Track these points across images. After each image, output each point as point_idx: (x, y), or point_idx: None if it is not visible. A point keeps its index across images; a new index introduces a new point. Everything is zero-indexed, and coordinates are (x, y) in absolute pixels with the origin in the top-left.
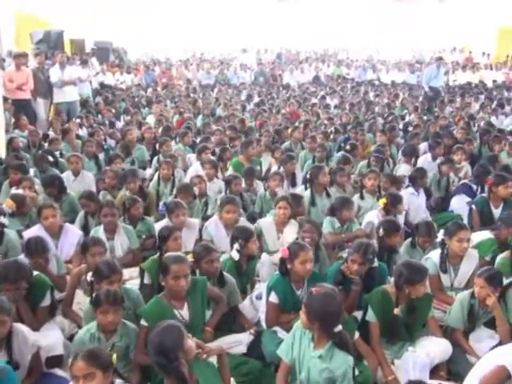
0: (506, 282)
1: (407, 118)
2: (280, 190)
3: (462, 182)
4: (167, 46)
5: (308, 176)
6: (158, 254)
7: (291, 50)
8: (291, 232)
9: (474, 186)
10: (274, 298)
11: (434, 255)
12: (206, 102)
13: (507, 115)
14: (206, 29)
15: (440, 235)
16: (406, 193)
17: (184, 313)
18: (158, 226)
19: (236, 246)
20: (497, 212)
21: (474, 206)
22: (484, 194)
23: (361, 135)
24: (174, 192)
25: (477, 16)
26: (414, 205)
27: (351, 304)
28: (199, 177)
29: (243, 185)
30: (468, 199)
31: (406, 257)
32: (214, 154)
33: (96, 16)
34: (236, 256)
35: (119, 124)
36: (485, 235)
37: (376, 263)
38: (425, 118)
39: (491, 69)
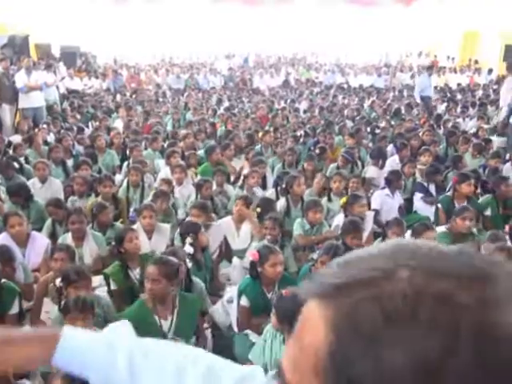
0: None
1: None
2: (257, 189)
3: (418, 181)
4: (136, 51)
5: (283, 185)
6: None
7: (261, 55)
8: (248, 229)
9: (426, 184)
10: (244, 301)
11: None
12: (175, 106)
13: (471, 118)
14: (175, 33)
15: (407, 236)
16: (382, 194)
17: (165, 323)
18: None
19: (188, 240)
20: None
21: (439, 205)
22: (449, 193)
23: (329, 138)
24: (150, 197)
25: (442, 21)
26: (388, 206)
27: None
28: (166, 181)
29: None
30: (421, 195)
31: None
32: (183, 158)
33: (62, 20)
34: (191, 250)
35: (87, 130)
36: (439, 229)
37: None
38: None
39: (456, 72)
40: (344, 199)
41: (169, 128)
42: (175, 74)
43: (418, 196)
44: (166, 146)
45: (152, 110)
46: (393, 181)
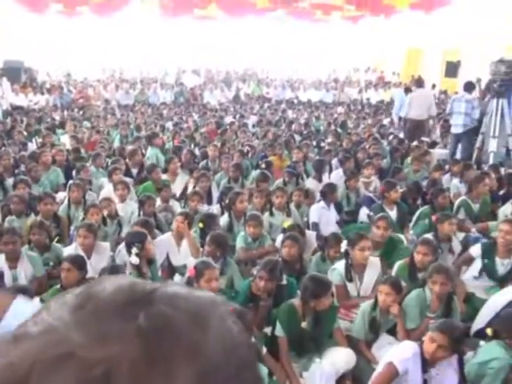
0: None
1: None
2: (202, 208)
3: (368, 195)
4: (85, 66)
5: (227, 201)
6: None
7: (211, 70)
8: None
9: (376, 199)
10: None
11: (339, 266)
12: (123, 122)
13: None
14: (125, 48)
15: (343, 246)
16: (318, 207)
17: None
18: (66, 252)
19: (134, 250)
20: (392, 213)
21: (371, 213)
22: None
23: (279, 149)
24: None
25: (387, 38)
26: (325, 219)
27: (260, 321)
28: (107, 199)
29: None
30: (368, 212)
31: (315, 270)
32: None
33: (6, 34)
34: (136, 260)
35: (32, 146)
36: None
37: (285, 280)
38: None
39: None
40: (288, 223)
41: (116, 144)
42: (124, 89)
43: (364, 209)
44: (109, 162)
45: (99, 126)
46: (327, 193)
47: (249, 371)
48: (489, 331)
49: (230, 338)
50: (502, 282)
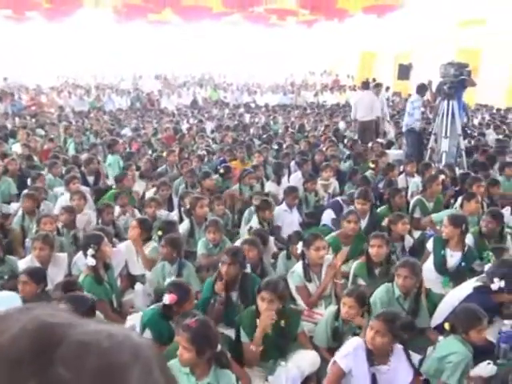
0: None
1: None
2: (161, 214)
3: (335, 198)
4: (37, 72)
5: (187, 206)
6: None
7: (168, 75)
8: (148, 253)
9: (345, 206)
10: (148, 334)
11: (298, 267)
12: (78, 129)
13: None
14: (79, 54)
15: (299, 247)
16: (280, 210)
17: None
18: (21, 264)
19: (90, 251)
20: (365, 221)
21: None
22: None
23: (239, 153)
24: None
25: (341, 41)
26: (287, 221)
27: (216, 318)
28: (64, 208)
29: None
30: (333, 216)
31: (282, 268)
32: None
33: None
34: (92, 262)
35: None
36: (330, 235)
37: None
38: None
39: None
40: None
41: (71, 152)
42: (78, 95)
43: (328, 211)
44: (64, 171)
45: (53, 134)
46: (288, 196)
47: None
48: (446, 326)
49: None
50: (453, 275)
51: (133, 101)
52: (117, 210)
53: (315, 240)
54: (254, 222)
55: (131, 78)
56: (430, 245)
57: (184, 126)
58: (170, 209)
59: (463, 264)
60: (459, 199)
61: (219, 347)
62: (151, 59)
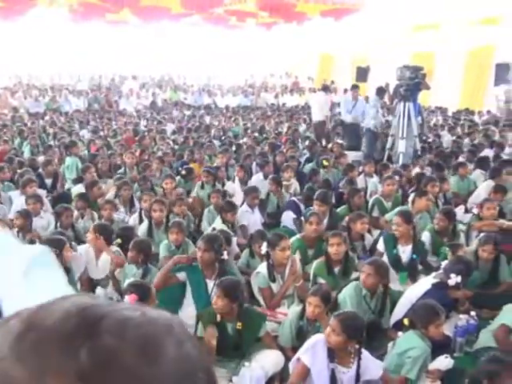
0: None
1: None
2: (118, 216)
3: (291, 199)
4: None
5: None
6: None
7: (127, 76)
8: (107, 257)
9: (302, 205)
10: None
11: (262, 269)
12: (33, 131)
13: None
14: (34, 54)
15: (264, 248)
16: (242, 210)
17: None
18: None
19: None
20: (325, 222)
21: (303, 219)
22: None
23: (197, 153)
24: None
25: (300, 44)
26: (250, 221)
27: None
28: (19, 213)
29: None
30: (294, 216)
31: (245, 266)
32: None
33: None
34: None
35: None
36: (294, 237)
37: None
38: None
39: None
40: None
41: (26, 154)
42: (34, 96)
43: (287, 213)
44: (19, 174)
45: (6, 136)
46: (248, 196)
47: None
48: (405, 321)
49: (187, 365)
50: (409, 270)
51: (90, 102)
52: (75, 212)
53: (280, 240)
54: (218, 223)
55: (88, 78)
56: (380, 245)
57: (143, 128)
58: (132, 209)
59: (414, 257)
60: (411, 196)
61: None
62: (109, 60)
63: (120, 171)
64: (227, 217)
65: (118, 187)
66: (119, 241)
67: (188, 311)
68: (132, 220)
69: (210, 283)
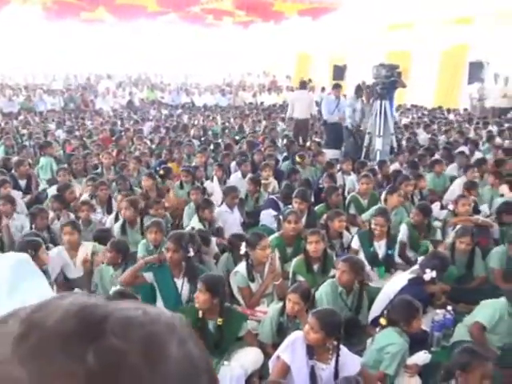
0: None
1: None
2: (95, 217)
3: (270, 197)
4: None
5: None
6: None
7: (102, 75)
8: (83, 253)
9: (281, 204)
10: None
11: (240, 268)
12: (7, 132)
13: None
14: (6, 53)
15: (242, 248)
16: (221, 211)
17: None
18: None
19: None
20: (303, 220)
21: (281, 217)
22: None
23: (176, 154)
24: None
25: (278, 43)
26: (229, 222)
27: None
28: None
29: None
30: (274, 213)
31: (224, 270)
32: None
33: None
34: None
35: None
36: (273, 236)
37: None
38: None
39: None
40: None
41: (0, 155)
42: (7, 96)
43: (269, 211)
44: None
45: None
46: (227, 196)
47: None
48: (382, 321)
49: (190, 365)
50: (385, 264)
51: (66, 101)
52: (51, 214)
53: (260, 240)
54: (195, 222)
55: (64, 77)
56: (355, 242)
57: (120, 127)
58: (109, 209)
59: (390, 252)
60: (383, 194)
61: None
62: (85, 59)
63: (97, 171)
64: (204, 214)
65: (95, 187)
66: (97, 243)
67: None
68: (109, 221)
69: (179, 282)
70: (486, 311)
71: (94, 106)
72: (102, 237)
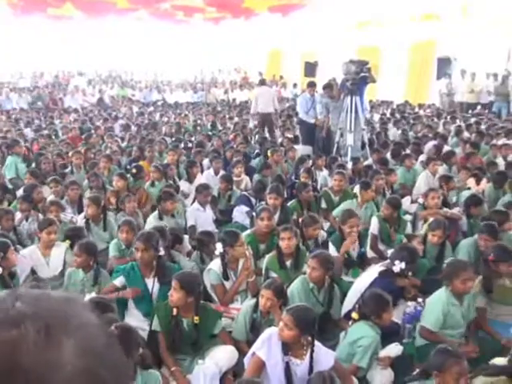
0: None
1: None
2: (65, 217)
3: (242, 193)
4: None
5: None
6: None
7: (70, 72)
8: (59, 253)
9: (253, 199)
10: None
11: (214, 266)
12: None
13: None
14: None
15: (219, 248)
16: (193, 209)
17: None
18: None
19: None
20: (276, 216)
21: (254, 214)
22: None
23: (148, 152)
24: None
25: (249, 39)
26: (201, 220)
27: None
28: None
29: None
30: (247, 209)
31: (196, 267)
32: None
33: None
34: None
35: None
36: (245, 232)
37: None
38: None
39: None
40: None
41: None
42: None
43: (241, 208)
44: None
45: None
46: (199, 194)
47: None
48: (354, 315)
49: (89, 359)
50: (359, 263)
51: (34, 99)
52: (18, 215)
53: (238, 238)
54: (154, 218)
55: (31, 75)
56: (331, 249)
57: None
58: (80, 209)
59: (363, 250)
60: (355, 189)
61: (140, 349)
62: (53, 56)
63: (67, 171)
64: (166, 206)
65: (65, 187)
66: (68, 241)
67: (134, 314)
68: (80, 220)
69: (149, 282)
70: (430, 316)
71: (63, 105)
72: (75, 235)
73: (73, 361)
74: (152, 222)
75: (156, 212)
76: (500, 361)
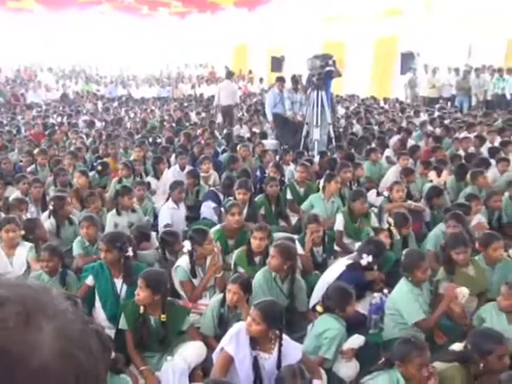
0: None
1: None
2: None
3: (210, 189)
4: None
5: (51, 207)
6: None
7: (32, 67)
8: (24, 251)
9: (221, 195)
10: None
11: (182, 262)
12: None
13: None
14: None
15: (186, 245)
16: (167, 207)
17: None
18: None
19: None
20: (244, 211)
21: (222, 209)
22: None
23: (112, 149)
24: None
25: (215, 34)
26: (175, 218)
27: None
28: None
29: None
30: (214, 205)
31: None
32: None
33: None
34: None
35: None
36: (214, 228)
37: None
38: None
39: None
40: None
41: None
42: None
43: (209, 203)
44: None
45: None
46: (174, 191)
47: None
48: (319, 309)
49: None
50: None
51: None
52: None
53: (206, 235)
54: (113, 216)
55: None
56: (299, 250)
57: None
58: (44, 207)
59: (324, 255)
60: (321, 182)
61: (113, 354)
62: (13, 50)
63: (30, 169)
64: (124, 201)
65: (28, 184)
66: (23, 232)
67: (101, 312)
68: (43, 218)
69: (118, 282)
70: (411, 311)
71: (25, 100)
72: (29, 226)
73: (51, 343)
74: (110, 219)
75: (114, 209)
76: (458, 346)
